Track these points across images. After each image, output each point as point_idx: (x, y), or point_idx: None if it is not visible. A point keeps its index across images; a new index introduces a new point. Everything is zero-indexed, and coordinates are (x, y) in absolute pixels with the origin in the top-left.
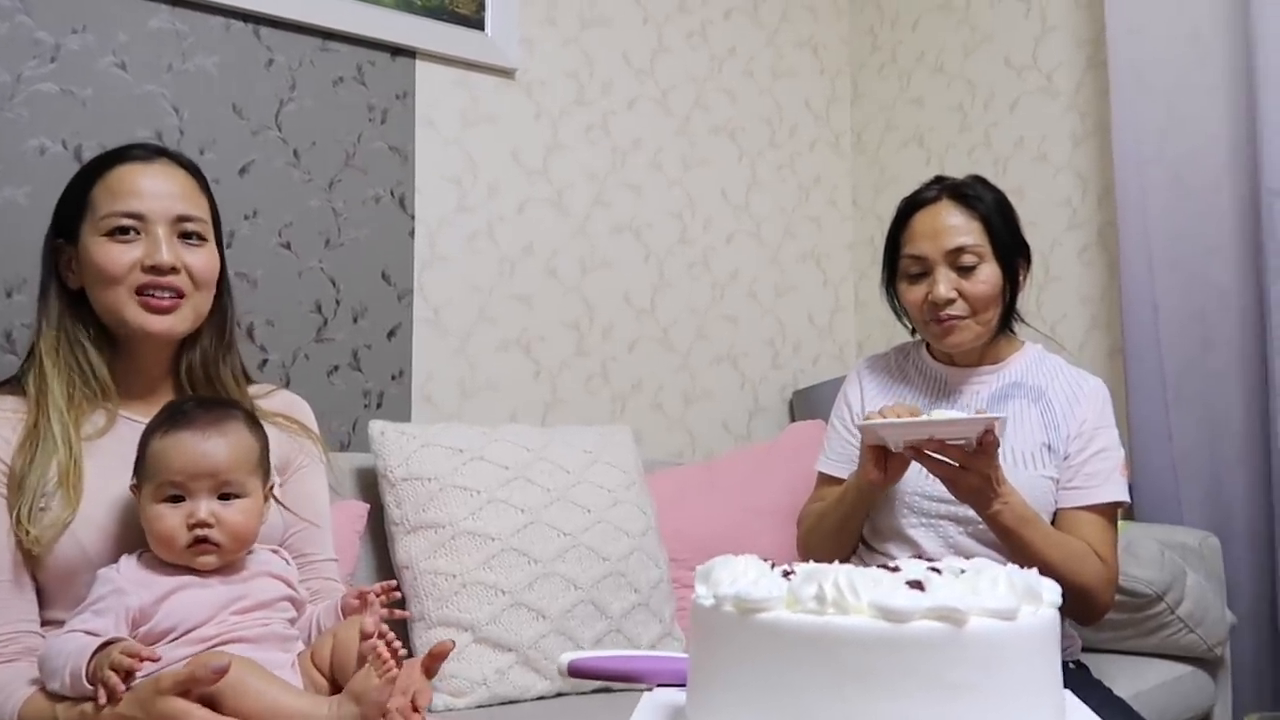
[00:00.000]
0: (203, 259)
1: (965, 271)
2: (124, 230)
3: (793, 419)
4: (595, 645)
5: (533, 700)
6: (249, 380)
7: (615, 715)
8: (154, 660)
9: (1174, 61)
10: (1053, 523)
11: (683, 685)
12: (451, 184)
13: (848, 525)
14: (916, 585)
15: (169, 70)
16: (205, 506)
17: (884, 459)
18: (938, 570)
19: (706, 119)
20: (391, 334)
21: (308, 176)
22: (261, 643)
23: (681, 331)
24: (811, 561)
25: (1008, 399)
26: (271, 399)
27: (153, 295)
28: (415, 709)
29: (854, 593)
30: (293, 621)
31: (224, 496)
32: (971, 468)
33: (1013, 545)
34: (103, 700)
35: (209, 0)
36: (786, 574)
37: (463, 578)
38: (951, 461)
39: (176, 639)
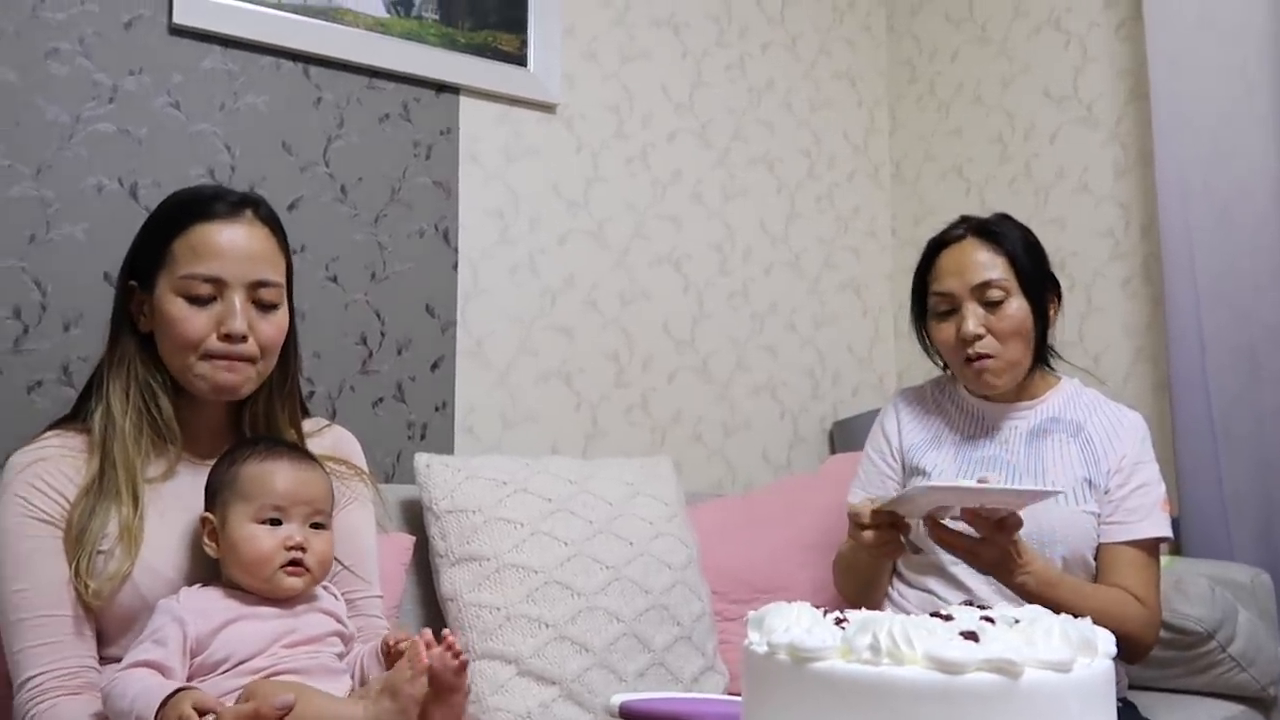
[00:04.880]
0: (273, 328)
1: (992, 307)
2: (201, 296)
3: (833, 450)
4: (638, 679)
5: None
6: (308, 415)
7: None
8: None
9: (1218, 94)
10: (1095, 558)
11: None
12: (494, 217)
13: (874, 579)
14: (971, 636)
15: (221, 109)
16: (301, 531)
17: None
18: (991, 620)
19: (745, 151)
20: (435, 366)
21: (354, 211)
22: (309, 674)
23: (721, 362)
24: (848, 602)
25: (1047, 434)
26: (322, 437)
27: (223, 358)
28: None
29: (908, 643)
30: (341, 656)
31: (314, 526)
32: (992, 541)
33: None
34: None
35: (260, 41)
36: (839, 622)
37: (507, 610)
38: (972, 534)
39: (229, 670)
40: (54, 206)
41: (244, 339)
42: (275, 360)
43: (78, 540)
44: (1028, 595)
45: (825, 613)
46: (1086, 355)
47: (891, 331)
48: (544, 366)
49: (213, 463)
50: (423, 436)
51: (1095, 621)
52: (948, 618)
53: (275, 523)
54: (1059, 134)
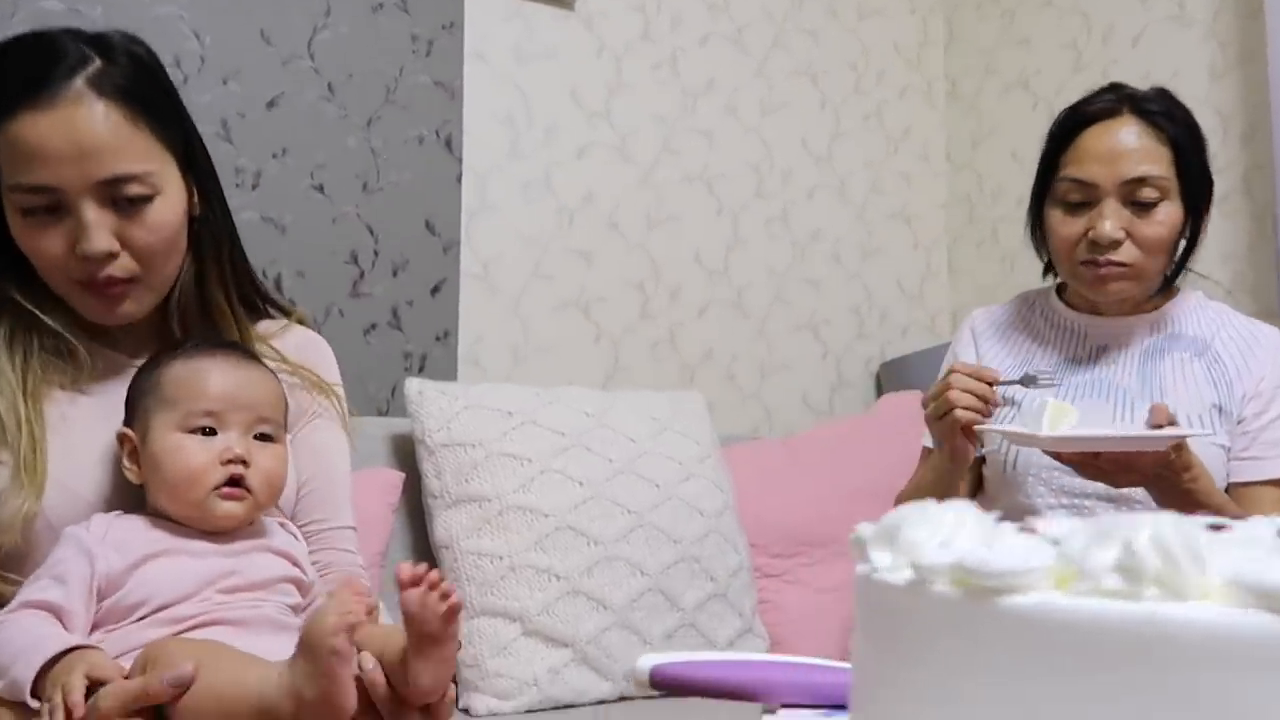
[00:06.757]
0: (147, 230)
1: (1141, 209)
2: (39, 209)
3: (879, 394)
4: (665, 642)
5: (591, 704)
6: (262, 313)
7: None
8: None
9: None
10: None
11: (823, 707)
12: (504, 125)
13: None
14: None
15: None
16: (242, 442)
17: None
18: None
19: (786, 60)
20: (436, 290)
21: (343, 112)
22: (249, 627)
23: (757, 295)
24: None
25: (1164, 354)
26: (283, 340)
27: (91, 286)
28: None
29: (1195, 560)
30: (296, 609)
31: (260, 438)
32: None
33: None
34: None
35: None
36: (1024, 531)
37: (511, 560)
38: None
39: (146, 616)
40: None
41: (110, 256)
42: (172, 263)
43: None
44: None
45: (999, 518)
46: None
47: (945, 266)
48: (560, 294)
49: (140, 362)
50: (421, 369)
51: None
52: (1216, 527)
53: (209, 433)
54: (1144, 35)
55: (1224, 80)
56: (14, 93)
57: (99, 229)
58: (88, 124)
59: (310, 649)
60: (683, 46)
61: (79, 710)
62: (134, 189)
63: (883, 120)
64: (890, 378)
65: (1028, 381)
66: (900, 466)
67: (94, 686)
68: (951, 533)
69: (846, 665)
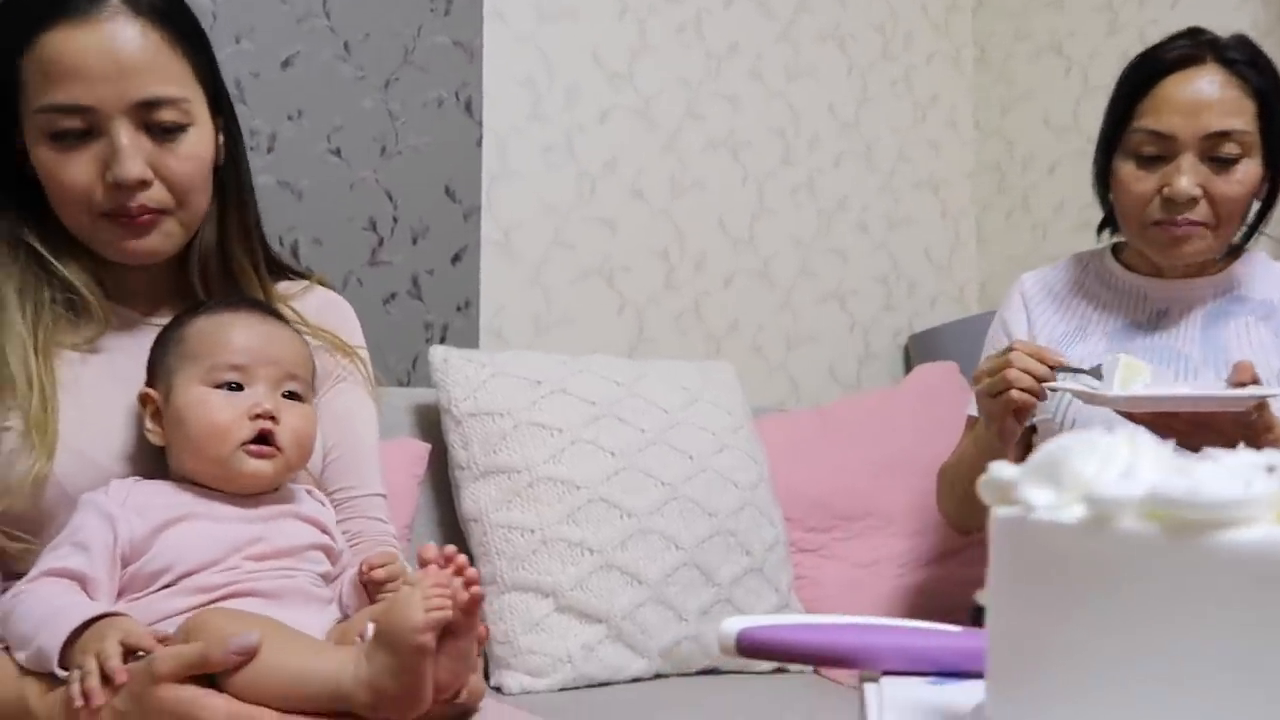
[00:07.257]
0: (182, 160)
1: (1220, 165)
2: (70, 133)
3: (908, 368)
4: (702, 618)
5: (627, 682)
6: (282, 274)
7: (728, 701)
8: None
9: None
10: None
11: (931, 674)
12: (525, 87)
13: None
14: None
15: None
16: (271, 398)
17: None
18: None
19: (812, 23)
20: (456, 258)
21: (360, 73)
22: (281, 599)
23: (783, 265)
24: (960, 526)
25: (1228, 317)
26: (304, 302)
27: (123, 217)
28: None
29: None
30: (326, 577)
31: (288, 395)
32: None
33: None
34: (78, 703)
35: None
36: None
37: (542, 533)
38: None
39: (171, 584)
40: None
41: (143, 184)
42: (203, 200)
43: None
44: None
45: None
46: None
47: (973, 236)
48: (582, 263)
49: (158, 320)
50: (442, 339)
51: None
52: None
53: (236, 388)
54: None
55: (1267, 40)
56: (45, 7)
57: (134, 153)
58: (126, 41)
59: (393, 643)
60: (707, 8)
61: (121, 676)
62: (170, 115)
63: (911, 86)
64: (920, 349)
65: (1097, 373)
66: (936, 441)
67: (129, 654)
68: (1132, 461)
69: (957, 629)
